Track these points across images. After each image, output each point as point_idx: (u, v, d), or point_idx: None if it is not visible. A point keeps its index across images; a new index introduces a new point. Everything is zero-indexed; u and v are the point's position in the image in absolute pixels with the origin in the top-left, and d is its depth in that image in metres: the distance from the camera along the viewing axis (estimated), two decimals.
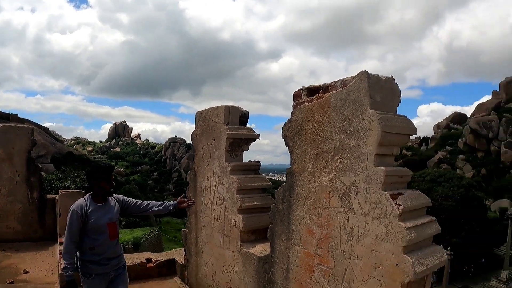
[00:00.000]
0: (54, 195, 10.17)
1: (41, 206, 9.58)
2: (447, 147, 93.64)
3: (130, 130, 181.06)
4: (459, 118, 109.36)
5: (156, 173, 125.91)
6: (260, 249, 4.29)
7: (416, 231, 2.78)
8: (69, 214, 3.74)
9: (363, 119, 2.92)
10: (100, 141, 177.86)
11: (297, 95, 3.63)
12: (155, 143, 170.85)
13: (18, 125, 10.07)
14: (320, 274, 3.37)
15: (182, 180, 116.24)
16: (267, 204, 4.61)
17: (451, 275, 39.02)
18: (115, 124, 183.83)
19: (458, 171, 73.80)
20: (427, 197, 3.11)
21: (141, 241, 43.36)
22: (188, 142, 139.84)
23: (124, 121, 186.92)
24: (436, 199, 44.64)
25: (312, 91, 3.50)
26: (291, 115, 3.62)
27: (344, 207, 3.10)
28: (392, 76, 3.15)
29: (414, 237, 2.74)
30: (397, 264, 2.74)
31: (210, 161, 5.02)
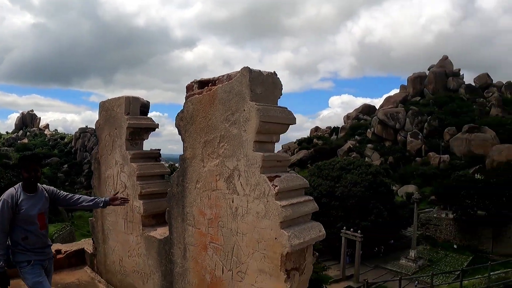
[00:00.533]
0: None
1: None
2: (356, 136, 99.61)
3: (38, 120, 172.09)
4: (368, 109, 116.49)
5: (66, 166, 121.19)
6: (160, 232, 4.53)
7: (292, 208, 3.16)
8: None
9: (244, 110, 3.25)
10: (7, 132, 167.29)
11: (189, 88, 3.89)
12: (64, 133, 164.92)
13: None
14: (213, 251, 3.69)
15: (92, 175, 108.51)
16: (166, 189, 4.86)
17: (363, 256, 41.67)
18: (22, 113, 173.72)
19: (366, 159, 78.78)
20: (305, 179, 3.50)
21: (53, 237, 41.54)
22: None
23: (32, 111, 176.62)
24: (346, 186, 47.37)
25: (203, 84, 3.78)
26: (184, 106, 3.88)
27: (229, 189, 3.43)
28: (274, 72, 3.50)
29: (290, 214, 3.12)
30: (276, 238, 3.11)
31: (112, 150, 5.15)
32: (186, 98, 3.87)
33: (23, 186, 3.79)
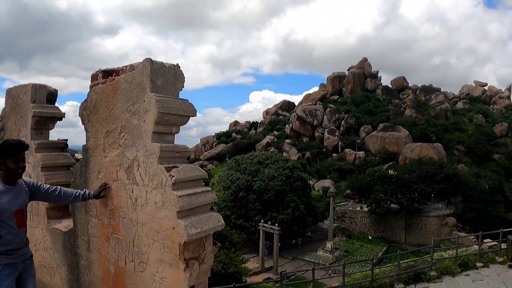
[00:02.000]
0: None
1: None
2: (275, 132, 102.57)
3: None
4: (287, 105, 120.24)
5: None
6: (66, 224, 4.46)
7: (189, 199, 3.24)
8: None
9: (144, 101, 3.29)
10: None
11: (94, 77, 3.86)
12: None
13: None
14: (115, 242, 3.71)
15: None
16: (70, 181, 4.81)
17: (281, 248, 43.05)
18: None
19: (284, 154, 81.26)
20: (203, 170, 3.60)
21: None
22: None
23: None
24: (264, 180, 48.51)
25: (108, 73, 3.76)
26: (88, 95, 3.85)
27: (129, 180, 3.47)
28: (177, 64, 3.56)
29: (187, 204, 3.21)
30: (173, 228, 3.19)
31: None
32: (91, 87, 3.84)
33: (3, 178, 3.29)
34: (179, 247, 3.19)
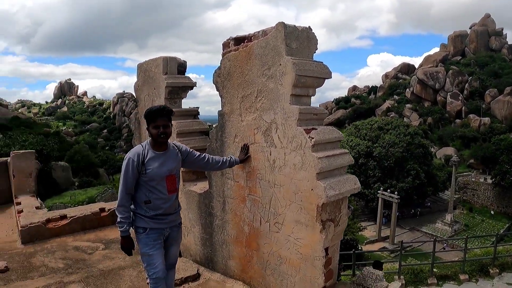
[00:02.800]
0: (5, 158, 10.31)
1: None
2: (394, 96, 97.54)
3: (76, 88, 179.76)
4: (407, 68, 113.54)
5: (105, 131, 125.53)
6: (200, 186, 4.78)
7: (328, 160, 3.29)
8: (124, 163, 3.34)
9: (280, 64, 3.37)
10: (46, 102, 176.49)
11: (225, 45, 4.03)
12: (102, 99, 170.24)
13: None
14: (251, 203, 3.91)
15: (133, 135, 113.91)
16: (205, 146, 5.10)
17: (399, 218, 41.60)
18: (60, 83, 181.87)
19: (405, 119, 77.25)
20: (340, 132, 3.62)
21: (96, 200, 43.84)
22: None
23: (70, 79, 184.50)
24: (384, 146, 46.80)
25: (239, 40, 3.91)
26: (220, 63, 4.03)
27: (267, 142, 3.60)
28: (309, 26, 3.58)
29: (326, 166, 3.26)
30: (312, 189, 3.27)
31: None
32: (223, 55, 4.01)
33: (151, 144, 3.41)
34: (317, 209, 3.26)
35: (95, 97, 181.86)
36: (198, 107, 5.28)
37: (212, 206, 4.47)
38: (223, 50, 4.03)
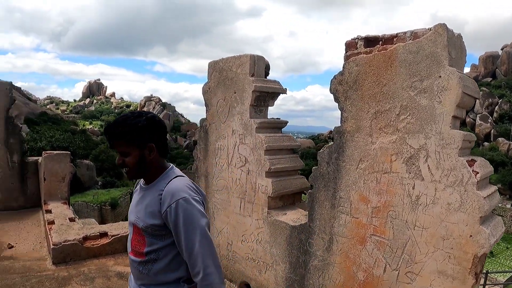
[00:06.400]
0: (36, 158, 10.12)
1: (22, 170, 9.58)
2: None
3: (104, 88, 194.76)
4: None
5: None
6: (293, 217, 4.36)
7: (490, 201, 2.91)
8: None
9: (440, 77, 2.94)
10: (74, 100, 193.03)
11: (351, 45, 3.61)
12: (130, 101, 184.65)
13: None
14: (374, 246, 3.47)
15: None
16: (297, 166, 4.71)
17: None
18: (89, 82, 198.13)
19: None
20: (490, 165, 3.21)
21: (118, 201, 44.98)
22: (164, 100, 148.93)
23: (99, 79, 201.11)
24: None
25: (370, 41, 3.49)
26: (344, 67, 3.61)
27: (410, 173, 3.17)
28: (460, 33, 3.18)
29: (489, 207, 2.86)
30: (471, 236, 2.85)
31: (228, 117, 4.99)
32: (347, 57, 3.60)
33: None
34: (473, 259, 2.87)
35: (122, 98, 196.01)
36: (287, 121, 4.88)
37: (310, 243, 4.05)
38: (347, 52, 3.62)
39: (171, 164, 2.48)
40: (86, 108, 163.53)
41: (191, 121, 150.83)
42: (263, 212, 4.59)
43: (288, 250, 4.34)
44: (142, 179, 2.49)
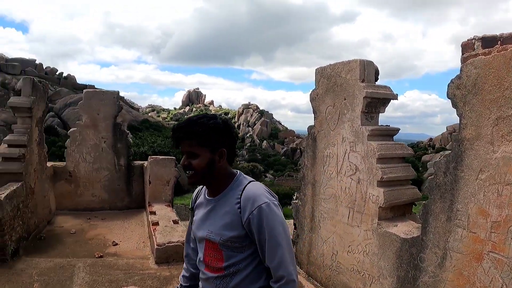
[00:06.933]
0: (142, 162, 10.78)
1: (128, 173, 10.27)
2: None
3: (203, 97, 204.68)
4: None
5: None
6: (404, 229, 4.18)
7: None
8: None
9: None
10: (175, 108, 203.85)
11: (467, 46, 3.42)
12: (228, 109, 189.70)
13: (103, 90, 10.70)
14: (491, 264, 3.21)
15: (256, 146, 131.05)
16: (409, 176, 4.53)
17: None
18: (188, 91, 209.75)
19: None
20: None
21: None
22: (261, 108, 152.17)
23: (198, 88, 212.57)
24: None
25: (487, 41, 3.27)
26: (461, 70, 3.41)
27: None
28: None
29: None
30: None
31: (337, 125, 4.94)
32: (464, 59, 3.40)
33: None
34: None
35: (221, 106, 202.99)
36: (399, 128, 4.71)
37: (421, 257, 3.84)
38: (463, 54, 3.42)
39: (238, 170, 2.34)
40: (185, 116, 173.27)
41: (288, 128, 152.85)
42: (372, 222, 4.46)
43: (397, 263, 4.16)
44: (202, 192, 2.39)
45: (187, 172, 2.20)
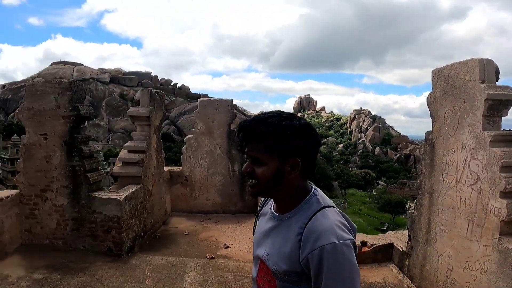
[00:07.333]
0: None
1: (242, 179, 10.50)
2: None
3: (314, 103, 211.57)
4: None
5: (341, 145, 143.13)
6: None
7: None
8: None
9: None
10: None
11: None
12: (340, 115, 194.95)
13: (217, 98, 11.20)
14: None
15: (368, 152, 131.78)
16: None
17: None
18: (299, 98, 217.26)
19: None
20: None
21: None
22: (373, 113, 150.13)
23: (308, 95, 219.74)
24: None
25: None
26: None
27: None
28: None
29: None
30: None
31: (457, 130, 4.64)
32: None
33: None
34: None
35: (332, 112, 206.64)
36: None
37: None
38: None
39: (313, 186, 1.92)
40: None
41: (401, 133, 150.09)
42: (493, 237, 4.10)
43: None
44: (270, 200, 2.05)
45: (250, 180, 1.87)
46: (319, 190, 1.91)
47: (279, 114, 1.79)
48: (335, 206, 1.86)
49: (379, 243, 6.56)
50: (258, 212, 2.15)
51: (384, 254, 6.50)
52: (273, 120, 1.75)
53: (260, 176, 1.79)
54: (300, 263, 1.72)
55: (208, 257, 7.04)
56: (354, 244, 1.73)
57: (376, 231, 35.51)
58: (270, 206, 2.01)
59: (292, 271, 1.75)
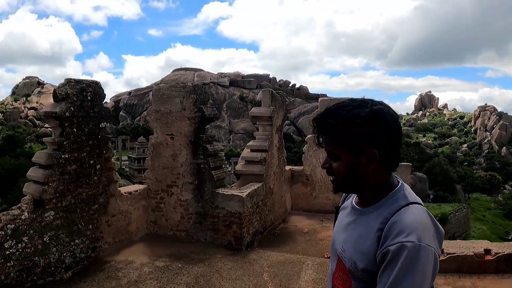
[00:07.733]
0: None
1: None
2: None
3: (436, 100, 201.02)
4: None
5: (465, 145, 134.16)
6: None
7: None
8: None
9: None
10: (407, 113, 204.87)
11: None
12: (463, 112, 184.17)
13: (338, 98, 11.19)
14: None
15: (494, 153, 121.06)
16: None
17: None
18: (420, 95, 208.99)
19: None
20: None
21: (448, 217, 44.40)
22: (499, 109, 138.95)
23: (430, 91, 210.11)
24: None
25: None
26: None
27: None
28: None
29: None
30: None
31: None
32: None
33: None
34: None
35: (455, 109, 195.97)
36: None
37: None
38: None
39: (400, 181, 1.80)
40: (418, 121, 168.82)
41: None
42: None
43: None
44: (352, 194, 1.95)
45: (330, 177, 1.79)
46: (406, 185, 1.79)
47: (348, 104, 1.67)
48: (423, 204, 1.70)
49: (504, 252, 6.11)
50: (339, 206, 2.07)
51: (509, 264, 6.05)
52: (341, 111, 1.64)
53: (336, 171, 1.72)
54: (376, 260, 1.59)
55: (325, 256, 7.12)
56: (435, 255, 1.55)
57: (500, 240, 32.59)
58: (352, 199, 1.92)
59: (369, 270, 1.62)
